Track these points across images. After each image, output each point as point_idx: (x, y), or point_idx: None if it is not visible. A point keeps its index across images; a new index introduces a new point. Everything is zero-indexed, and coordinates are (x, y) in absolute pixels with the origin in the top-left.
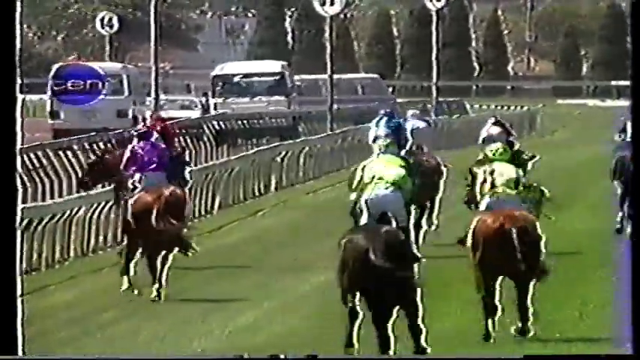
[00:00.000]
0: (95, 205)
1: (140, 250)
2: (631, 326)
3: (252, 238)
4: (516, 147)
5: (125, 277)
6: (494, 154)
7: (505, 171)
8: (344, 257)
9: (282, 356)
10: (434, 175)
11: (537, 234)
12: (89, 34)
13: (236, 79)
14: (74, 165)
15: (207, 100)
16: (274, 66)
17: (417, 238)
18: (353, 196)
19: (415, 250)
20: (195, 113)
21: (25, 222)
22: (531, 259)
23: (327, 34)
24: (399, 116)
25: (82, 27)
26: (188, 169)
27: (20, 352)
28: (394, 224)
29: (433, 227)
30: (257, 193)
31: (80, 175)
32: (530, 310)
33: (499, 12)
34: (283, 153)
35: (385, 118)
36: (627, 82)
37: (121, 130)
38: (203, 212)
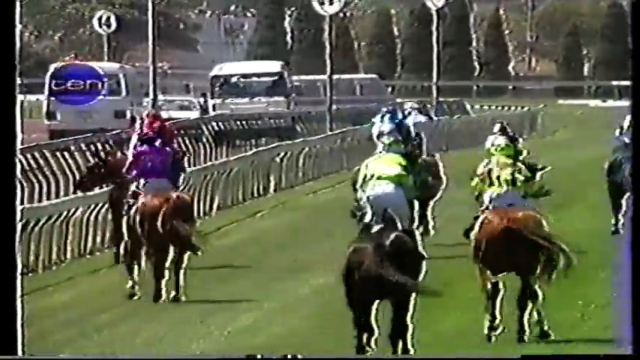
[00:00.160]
0: (92, 206)
1: (148, 254)
2: (631, 326)
3: (251, 240)
4: (524, 154)
5: (131, 282)
6: (495, 150)
7: (505, 165)
8: (349, 269)
9: (258, 356)
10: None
11: (544, 232)
12: (86, 34)
13: (235, 79)
14: (71, 166)
15: (205, 101)
16: (273, 66)
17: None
18: (359, 194)
19: (422, 252)
20: (194, 114)
21: (21, 223)
22: (539, 259)
23: (326, 34)
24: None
25: (80, 26)
26: (182, 175)
27: (20, 352)
28: (398, 223)
29: (430, 225)
30: (256, 194)
31: (79, 176)
32: (531, 310)
33: (500, 11)
34: (282, 154)
35: (389, 114)
36: (629, 82)
37: (118, 131)
38: (202, 213)
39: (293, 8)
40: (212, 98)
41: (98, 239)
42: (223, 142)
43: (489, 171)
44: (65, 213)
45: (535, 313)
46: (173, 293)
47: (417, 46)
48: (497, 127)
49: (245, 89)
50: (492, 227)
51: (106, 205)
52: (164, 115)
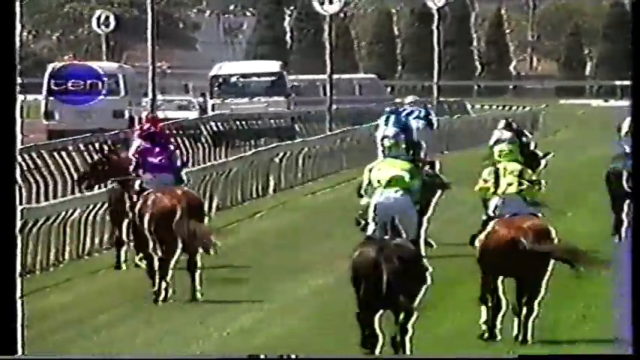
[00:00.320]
0: (90, 207)
1: (157, 253)
2: (631, 326)
3: (251, 240)
4: (531, 147)
5: (157, 281)
6: (499, 155)
7: (509, 171)
8: (355, 275)
9: (262, 356)
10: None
11: (550, 241)
12: (85, 33)
13: (234, 79)
14: (69, 166)
15: (205, 101)
16: (273, 66)
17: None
18: (364, 200)
19: (426, 264)
20: (193, 114)
21: (19, 224)
22: (544, 268)
23: (326, 34)
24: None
25: (78, 26)
26: (184, 170)
27: (20, 352)
28: (403, 233)
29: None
30: (255, 195)
31: (81, 173)
32: (535, 314)
33: (501, 11)
34: (282, 154)
35: (393, 116)
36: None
37: (117, 131)
38: None
39: (293, 8)
40: (211, 98)
41: (96, 240)
42: (222, 142)
43: (495, 178)
44: (63, 214)
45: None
46: (190, 294)
47: (417, 45)
48: (502, 122)
49: (244, 89)
50: (498, 237)
51: (105, 206)
52: (162, 115)
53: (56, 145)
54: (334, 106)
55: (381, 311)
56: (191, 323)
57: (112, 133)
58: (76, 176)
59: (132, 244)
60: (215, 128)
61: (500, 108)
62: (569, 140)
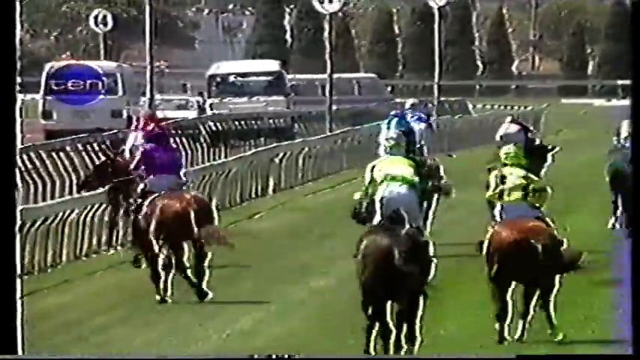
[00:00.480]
0: (89, 208)
1: (168, 254)
2: (631, 327)
3: (250, 241)
4: (537, 142)
5: (160, 286)
6: (505, 158)
7: (515, 176)
8: (366, 261)
9: (255, 356)
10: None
11: (555, 243)
12: (83, 33)
13: (232, 78)
14: (67, 167)
15: (204, 101)
16: (272, 65)
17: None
18: (357, 195)
19: (432, 251)
20: (192, 113)
21: (17, 224)
22: (549, 269)
23: (326, 33)
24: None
25: (76, 25)
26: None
27: (20, 352)
28: (407, 224)
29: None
30: (254, 195)
31: (84, 175)
32: (552, 317)
33: (503, 10)
34: (281, 154)
35: (396, 120)
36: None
37: (115, 131)
38: None
39: (292, 6)
40: (209, 97)
41: (94, 241)
42: (221, 142)
43: (501, 182)
44: (61, 214)
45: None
46: (196, 294)
47: (418, 45)
48: (508, 117)
49: (243, 88)
50: (501, 239)
51: (103, 207)
52: (160, 114)
53: (54, 145)
54: (334, 106)
55: (390, 302)
56: (190, 325)
57: (111, 133)
58: (71, 180)
59: (132, 244)
60: (214, 128)
61: (502, 108)
62: (571, 140)
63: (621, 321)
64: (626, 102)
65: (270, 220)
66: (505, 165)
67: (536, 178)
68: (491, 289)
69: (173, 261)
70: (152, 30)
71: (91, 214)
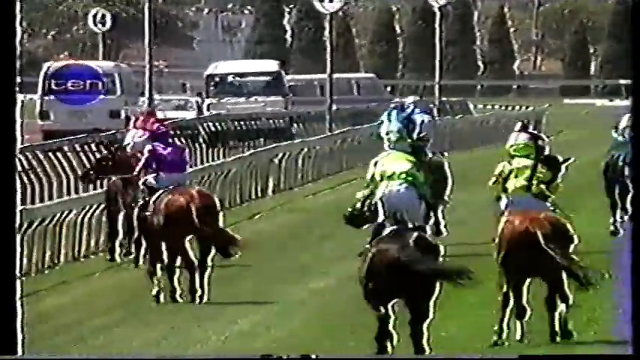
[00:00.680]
0: (87, 208)
1: (176, 253)
2: (631, 327)
3: (250, 242)
4: (546, 152)
5: (157, 286)
6: (515, 150)
7: (522, 168)
8: (373, 267)
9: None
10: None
11: (567, 235)
12: (81, 32)
13: (230, 78)
14: (65, 167)
15: (203, 101)
16: (270, 65)
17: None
18: (359, 194)
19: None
20: (191, 113)
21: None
22: (560, 261)
23: (327, 32)
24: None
25: (74, 24)
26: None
27: (20, 352)
28: (409, 223)
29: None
30: (254, 196)
31: (87, 168)
32: (563, 312)
33: (505, 9)
34: (281, 154)
35: (396, 111)
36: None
37: (113, 131)
38: None
39: (292, 6)
40: (207, 97)
41: (92, 242)
42: (220, 142)
43: (507, 174)
44: (59, 215)
45: (558, 314)
46: (199, 293)
47: (419, 44)
48: (518, 125)
49: (241, 88)
50: (513, 228)
51: (101, 207)
52: (160, 115)
53: (52, 145)
54: (333, 106)
55: (394, 300)
56: (189, 326)
57: (108, 133)
58: (69, 181)
59: (131, 244)
60: (213, 128)
61: (504, 108)
62: (572, 140)
63: (621, 321)
64: (629, 102)
65: (270, 220)
66: (514, 157)
67: (544, 170)
68: (500, 281)
69: (178, 258)
70: (151, 29)
71: (88, 215)
